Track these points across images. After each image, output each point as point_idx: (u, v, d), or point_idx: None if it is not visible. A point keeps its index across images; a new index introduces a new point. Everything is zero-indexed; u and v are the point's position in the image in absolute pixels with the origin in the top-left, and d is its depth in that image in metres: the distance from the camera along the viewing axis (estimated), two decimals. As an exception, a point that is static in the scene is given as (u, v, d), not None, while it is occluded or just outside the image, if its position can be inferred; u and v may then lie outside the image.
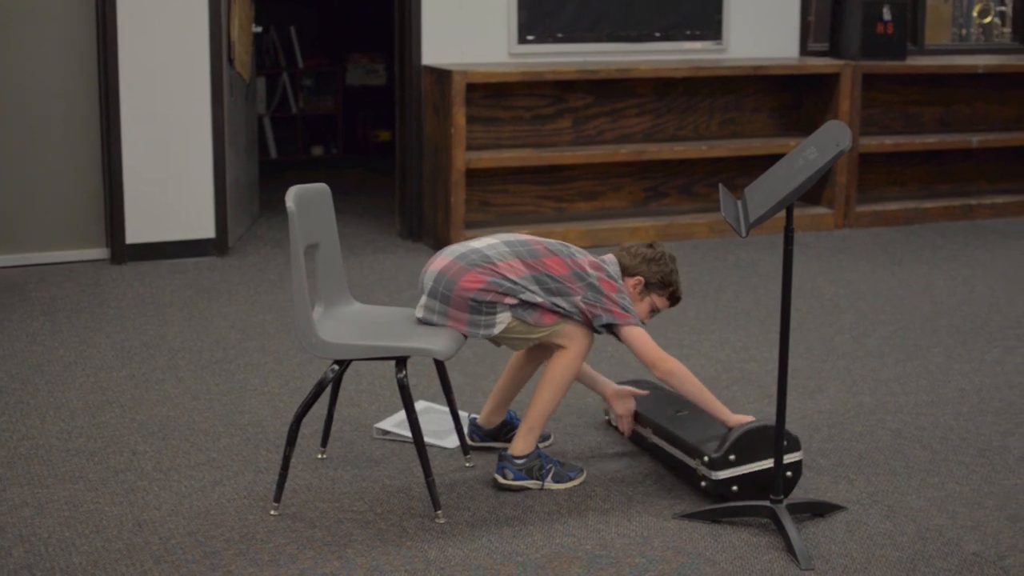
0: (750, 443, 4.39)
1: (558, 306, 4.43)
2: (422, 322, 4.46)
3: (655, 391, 4.96)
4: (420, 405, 5.25)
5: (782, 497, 4.22)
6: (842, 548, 4.15)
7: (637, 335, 4.46)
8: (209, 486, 4.57)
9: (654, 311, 4.70)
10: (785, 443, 4.37)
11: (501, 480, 4.51)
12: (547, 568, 4.00)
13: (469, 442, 4.89)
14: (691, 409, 4.74)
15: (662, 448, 4.68)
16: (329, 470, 4.72)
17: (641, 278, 4.63)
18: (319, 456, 4.81)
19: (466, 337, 4.44)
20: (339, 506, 4.42)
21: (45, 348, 6.09)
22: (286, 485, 4.48)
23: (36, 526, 4.23)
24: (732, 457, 4.37)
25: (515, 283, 4.38)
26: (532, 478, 4.52)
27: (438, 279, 4.41)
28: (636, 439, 4.90)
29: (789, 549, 4.09)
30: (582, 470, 4.62)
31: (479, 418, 4.91)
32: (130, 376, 5.72)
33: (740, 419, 4.46)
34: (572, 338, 4.45)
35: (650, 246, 4.69)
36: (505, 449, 4.58)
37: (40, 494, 4.47)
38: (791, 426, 5.09)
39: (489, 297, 4.35)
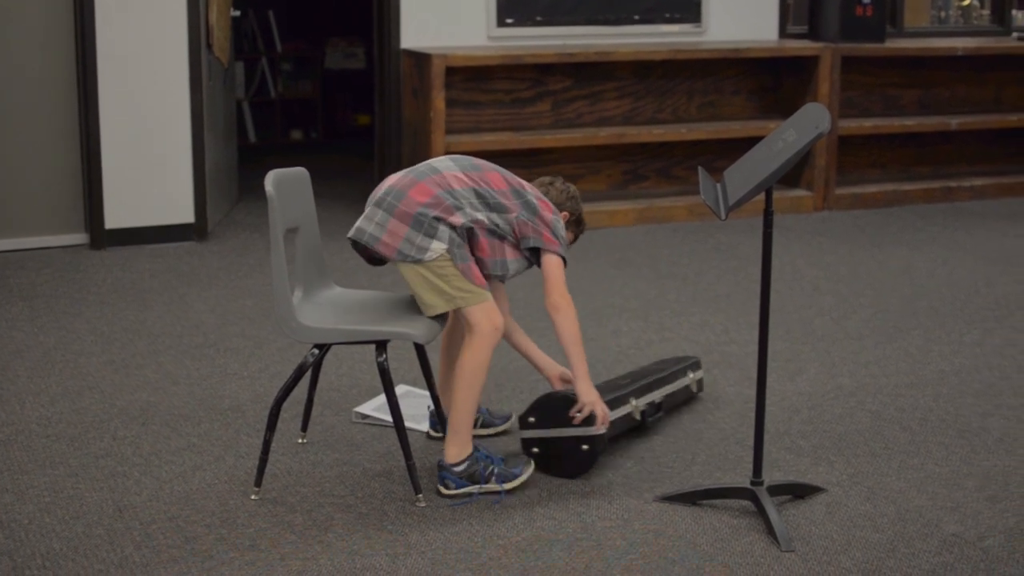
0: (551, 409, 4.49)
1: (494, 225, 4.35)
2: (357, 233, 4.33)
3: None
4: (400, 389, 5.25)
5: (762, 479, 4.23)
6: (822, 530, 4.16)
7: (556, 265, 4.42)
8: (190, 471, 4.56)
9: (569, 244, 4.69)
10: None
11: (443, 491, 4.35)
12: (528, 551, 4.00)
13: (432, 432, 4.88)
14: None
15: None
16: (310, 454, 4.71)
17: (567, 213, 4.63)
18: (300, 441, 4.81)
19: (385, 262, 4.40)
20: (320, 490, 4.41)
21: (24, 334, 6.07)
22: (267, 470, 4.47)
23: (16, 512, 4.22)
24: (532, 419, 4.52)
25: (458, 196, 4.31)
26: (474, 482, 4.35)
27: (388, 191, 4.34)
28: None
29: (769, 531, 4.09)
30: (529, 461, 4.46)
31: (444, 403, 4.84)
32: (110, 361, 5.71)
33: (585, 386, 4.43)
34: (481, 317, 4.29)
35: (564, 184, 4.70)
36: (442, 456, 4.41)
37: (20, 480, 4.46)
38: (771, 408, 5.10)
39: (435, 212, 4.26)
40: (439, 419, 4.81)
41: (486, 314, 4.32)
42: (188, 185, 7.84)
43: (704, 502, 4.34)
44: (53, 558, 3.92)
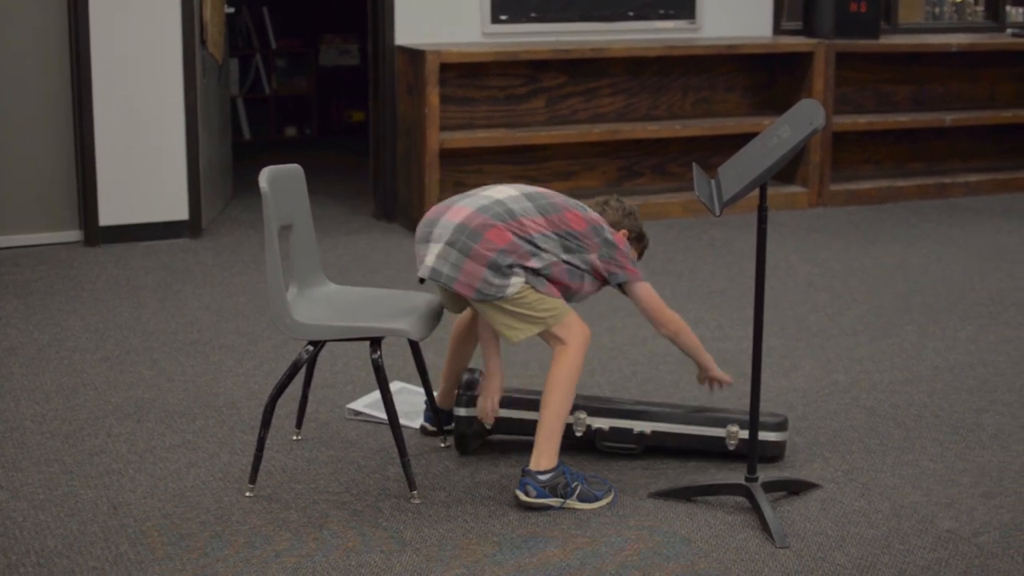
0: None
1: (572, 265, 4.31)
2: (433, 273, 4.23)
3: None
4: (395, 386, 5.25)
5: (757, 476, 4.23)
6: (817, 526, 4.16)
7: (647, 292, 4.47)
8: (184, 468, 4.56)
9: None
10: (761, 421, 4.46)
11: (523, 497, 4.23)
12: (523, 547, 4.00)
13: (428, 427, 4.87)
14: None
15: (669, 432, 4.66)
16: (304, 451, 4.71)
17: (627, 231, 4.56)
18: (294, 438, 4.81)
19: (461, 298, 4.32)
20: (314, 487, 4.41)
21: (19, 331, 6.07)
22: (261, 467, 4.47)
23: (11, 509, 4.21)
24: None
25: (537, 245, 4.23)
26: (556, 495, 4.23)
27: (460, 229, 4.20)
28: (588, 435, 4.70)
29: (764, 527, 4.10)
30: (611, 489, 4.34)
31: (437, 399, 4.82)
32: (104, 358, 5.70)
33: (720, 374, 4.65)
34: (570, 330, 4.28)
35: (619, 200, 4.64)
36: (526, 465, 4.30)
37: (14, 477, 4.46)
38: (766, 405, 5.10)
39: (511, 259, 4.19)
40: (434, 414, 4.81)
41: (575, 324, 4.31)
42: (182, 182, 7.83)
43: (699, 498, 4.34)
44: (47, 555, 3.92)
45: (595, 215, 4.43)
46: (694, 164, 4.51)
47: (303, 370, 4.62)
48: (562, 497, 4.23)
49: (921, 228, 8.41)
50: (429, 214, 4.36)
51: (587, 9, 8.75)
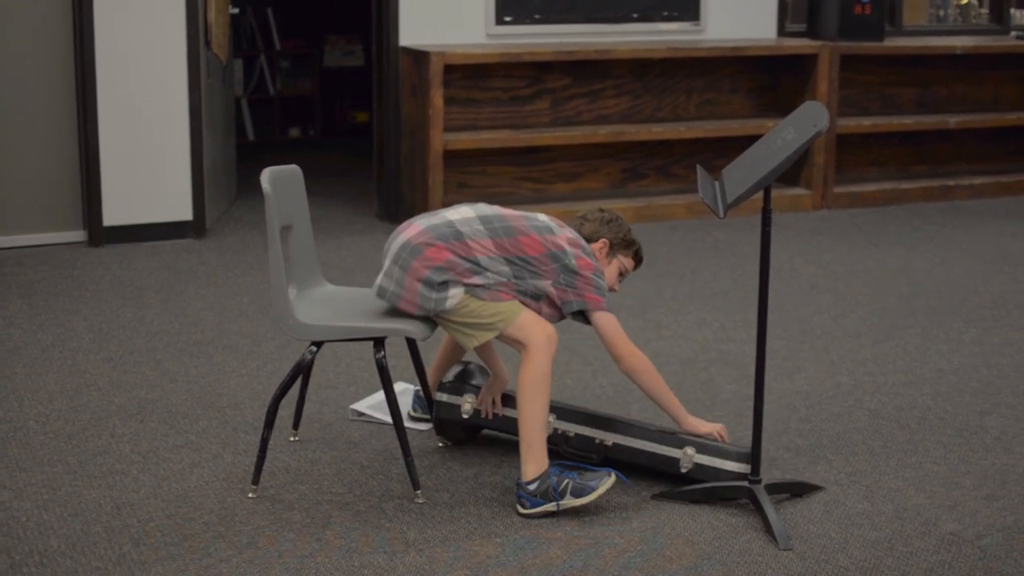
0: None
1: (525, 291, 4.27)
2: (379, 291, 4.28)
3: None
4: (399, 387, 5.23)
5: (760, 477, 4.23)
6: (820, 528, 4.16)
7: (608, 323, 4.33)
8: (187, 468, 4.56)
9: (623, 274, 4.59)
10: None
11: (520, 511, 4.22)
12: (526, 548, 4.00)
13: (412, 413, 4.92)
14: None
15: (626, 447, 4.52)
16: (308, 452, 4.71)
17: (605, 240, 4.51)
18: (291, 439, 4.80)
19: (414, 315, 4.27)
20: (318, 488, 4.41)
21: (22, 331, 6.07)
22: (265, 467, 4.47)
23: (14, 509, 4.21)
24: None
25: (481, 265, 4.19)
26: (548, 500, 4.18)
27: (404, 246, 4.23)
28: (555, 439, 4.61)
29: (767, 529, 4.10)
30: (609, 472, 4.23)
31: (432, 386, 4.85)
32: (108, 359, 5.71)
33: (695, 423, 4.46)
34: (527, 331, 4.19)
35: (601, 210, 4.59)
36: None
37: (18, 477, 4.46)
38: (769, 407, 5.10)
39: (447, 276, 4.16)
40: (423, 401, 4.87)
41: (531, 325, 4.21)
42: (186, 182, 7.83)
43: (702, 500, 4.34)
44: (51, 555, 3.92)
45: (564, 238, 4.36)
46: (698, 166, 4.51)
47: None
48: (556, 499, 4.18)
49: (925, 231, 8.40)
50: (395, 232, 4.38)
51: (591, 10, 8.75)
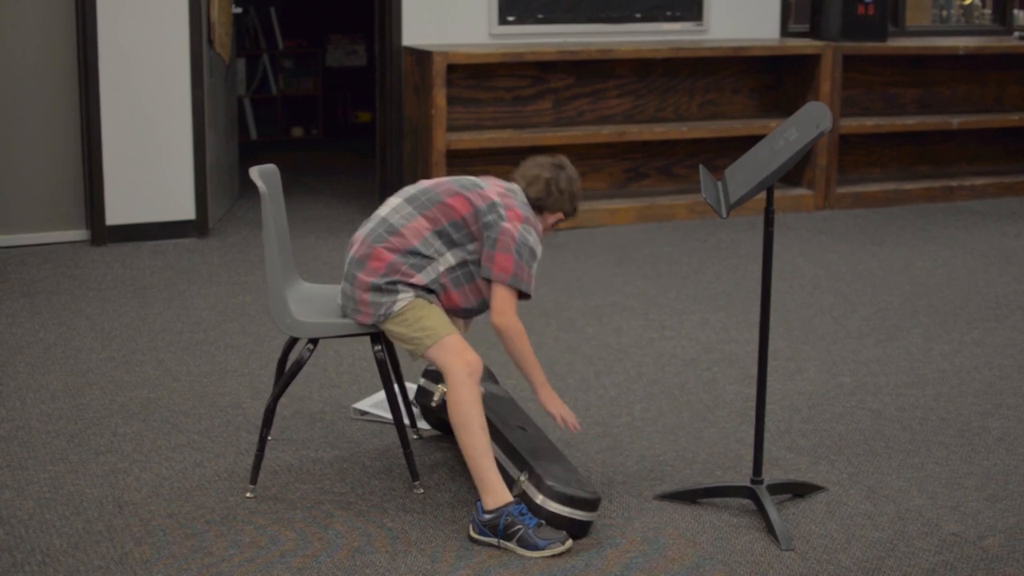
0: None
1: (460, 264, 4.19)
2: (341, 311, 4.27)
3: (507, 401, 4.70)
4: (411, 386, 5.22)
5: (762, 478, 4.23)
6: (822, 528, 4.16)
7: (502, 295, 4.18)
8: (190, 467, 4.56)
9: (557, 223, 4.47)
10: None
11: (471, 534, 4.06)
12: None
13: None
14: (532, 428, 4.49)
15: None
16: (310, 451, 4.71)
17: (562, 214, 4.43)
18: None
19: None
20: (320, 487, 4.41)
21: (25, 330, 6.07)
22: (267, 467, 4.47)
23: (17, 508, 4.22)
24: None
25: (421, 254, 4.15)
26: (495, 535, 4.00)
27: (351, 262, 4.23)
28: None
29: (770, 529, 4.10)
30: (565, 539, 3.99)
31: None
32: (110, 358, 5.71)
33: (548, 398, 4.28)
34: (447, 355, 4.08)
35: (556, 167, 4.42)
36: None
37: (20, 476, 4.46)
38: (771, 407, 5.10)
39: (394, 277, 4.13)
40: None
41: (452, 350, 4.09)
42: (189, 181, 7.84)
43: (704, 500, 4.34)
44: (53, 554, 3.92)
45: (495, 191, 4.28)
46: (701, 166, 4.51)
47: (277, 368, 4.62)
48: (499, 537, 3.99)
49: (927, 231, 8.40)
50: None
51: (594, 10, 8.75)
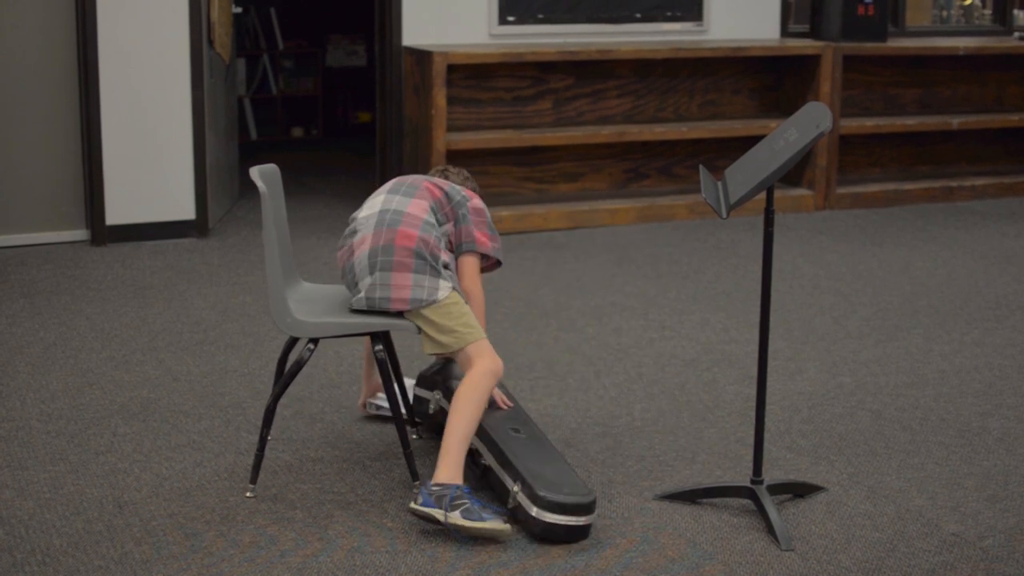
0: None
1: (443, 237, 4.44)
2: (368, 302, 4.26)
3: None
4: (408, 382, 5.20)
5: (762, 478, 4.23)
6: (822, 529, 4.16)
7: (476, 260, 4.56)
8: (190, 467, 4.56)
9: None
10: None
11: (411, 504, 4.06)
12: (529, 548, 4.00)
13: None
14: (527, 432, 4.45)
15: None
16: (310, 451, 4.71)
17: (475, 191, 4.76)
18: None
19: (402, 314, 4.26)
20: (320, 487, 4.41)
21: (25, 330, 6.07)
22: (267, 466, 4.47)
23: (16, 508, 4.22)
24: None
25: (432, 223, 4.37)
26: (439, 507, 4.00)
27: (372, 253, 4.27)
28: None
29: (769, 530, 4.10)
30: (507, 521, 4.04)
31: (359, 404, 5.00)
32: (110, 358, 5.71)
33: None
34: (482, 356, 4.24)
35: (456, 167, 4.81)
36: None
37: (20, 476, 4.46)
38: (771, 407, 5.10)
39: (429, 249, 4.26)
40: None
41: (488, 353, 4.25)
42: (189, 182, 7.84)
43: (704, 501, 4.34)
44: (53, 554, 3.92)
45: (443, 181, 4.58)
46: (701, 166, 4.51)
47: (277, 368, 4.62)
48: (445, 509, 3.99)
49: (927, 231, 8.40)
50: (342, 261, 4.38)
51: (594, 11, 8.75)
